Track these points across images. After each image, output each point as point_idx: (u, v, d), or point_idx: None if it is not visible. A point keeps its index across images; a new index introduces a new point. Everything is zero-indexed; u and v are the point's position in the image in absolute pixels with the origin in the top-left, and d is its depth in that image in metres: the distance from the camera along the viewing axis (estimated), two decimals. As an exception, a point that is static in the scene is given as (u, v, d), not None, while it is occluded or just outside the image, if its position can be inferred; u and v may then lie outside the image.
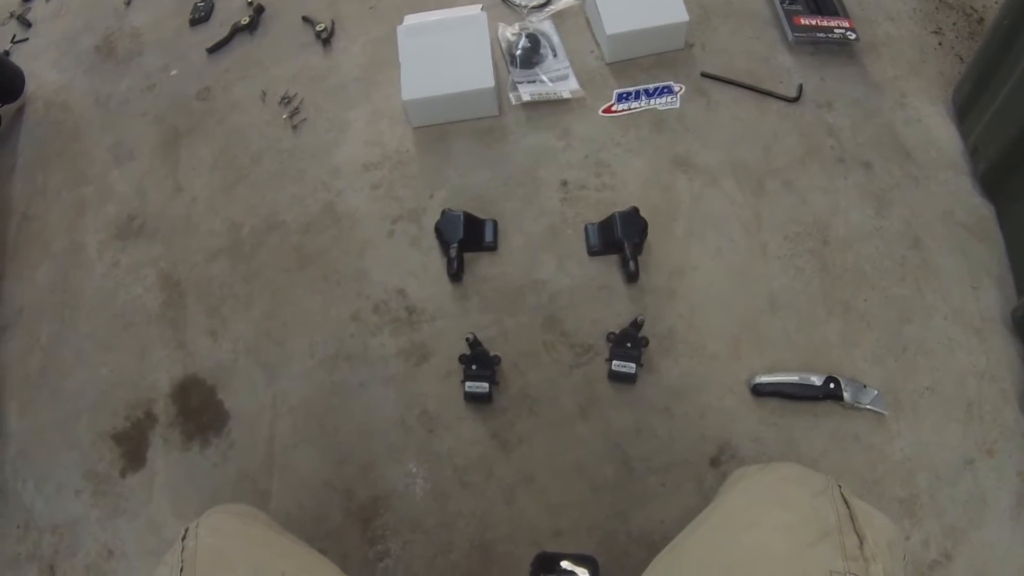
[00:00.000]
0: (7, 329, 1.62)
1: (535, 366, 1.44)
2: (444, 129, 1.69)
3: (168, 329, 1.56)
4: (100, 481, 1.45)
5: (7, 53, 2.00)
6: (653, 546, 1.07)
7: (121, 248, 1.66)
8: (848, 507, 0.86)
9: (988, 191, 1.54)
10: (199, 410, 1.48)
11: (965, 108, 1.58)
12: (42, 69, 1.96)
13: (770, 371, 1.38)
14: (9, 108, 1.85)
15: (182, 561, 0.89)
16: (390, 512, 1.36)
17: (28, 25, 2.06)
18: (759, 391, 1.37)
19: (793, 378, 1.36)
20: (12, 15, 2.09)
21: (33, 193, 1.77)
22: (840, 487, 0.91)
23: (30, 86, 1.91)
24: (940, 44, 1.74)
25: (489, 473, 1.37)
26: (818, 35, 1.69)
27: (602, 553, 1.26)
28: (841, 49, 1.72)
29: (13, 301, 1.65)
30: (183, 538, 0.93)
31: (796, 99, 1.65)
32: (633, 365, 1.38)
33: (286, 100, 1.76)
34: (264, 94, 1.79)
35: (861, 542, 0.81)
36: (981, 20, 1.76)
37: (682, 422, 1.38)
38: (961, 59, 1.71)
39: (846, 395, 1.34)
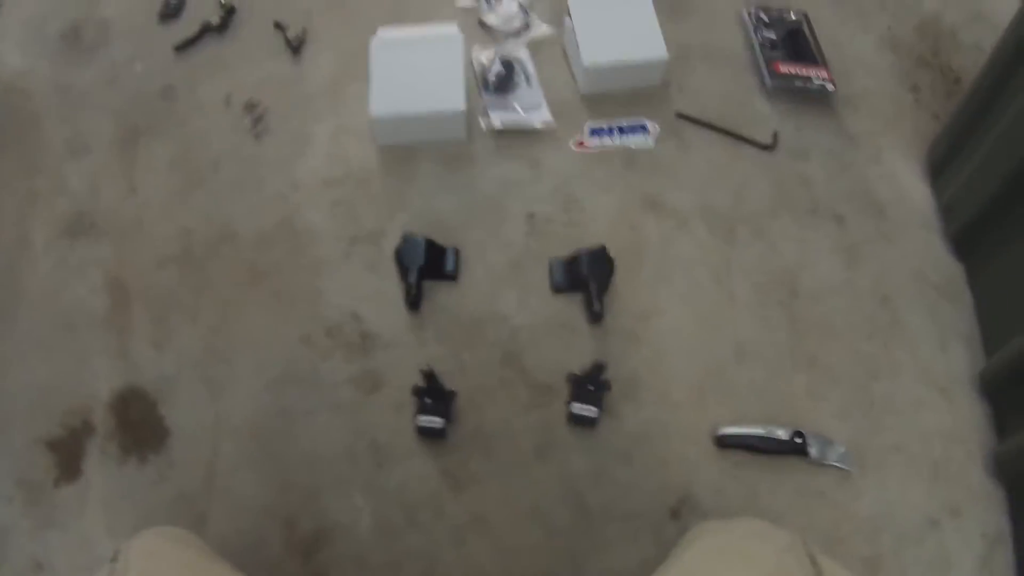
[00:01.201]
0: (-58, 323, 1.53)
1: (492, 403, 1.40)
2: (410, 150, 1.65)
3: (111, 335, 1.48)
4: (33, 489, 1.37)
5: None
6: (609, 598, 1.04)
7: (69, 246, 1.58)
8: (815, 564, 0.83)
9: (959, 251, 1.54)
10: (138, 424, 1.41)
11: (940, 166, 1.58)
12: (5, 51, 1.86)
13: (735, 422, 1.36)
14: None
15: None
16: (332, 546, 1.30)
17: (-3, 5, 1.96)
18: (723, 442, 1.34)
19: (759, 431, 1.34)
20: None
21: (-16, 180, 1.69)
22: (806, 544, 0.88)
23: (-8, 70, 1.83)
24: (916, 101, 1.74)
25: (440, 512, 1.32)
26: (796, 83, 1.68)
27: (554, 602, 1.22)
28: (818, 99, 1.71)
29: (-50, 293, 1.56)
30: (113, 560, 0.88)
31: (771, 147, 1.64)
32: (595, 409, 1.34)
33: (251, 107, 1.70)
34: (229, 98, 1.72)
35: None
36: (958, 80, 1.76)
37: (643, 470, 1.34)
38: (937, 117, 1.71)
39: (812, 451, 1.32)
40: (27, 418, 1.42)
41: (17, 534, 1.34)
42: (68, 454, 1.40)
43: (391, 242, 1.52)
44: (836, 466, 1.33)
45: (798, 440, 1.33)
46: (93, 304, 1.52)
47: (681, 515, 1.31)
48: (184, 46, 1.79)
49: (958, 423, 1.39)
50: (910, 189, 1.62)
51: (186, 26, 1.83)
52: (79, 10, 1.89)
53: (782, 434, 1.33)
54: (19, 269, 1.56)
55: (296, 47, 1.78)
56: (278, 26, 1.81)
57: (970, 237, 1.50)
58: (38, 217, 1.62)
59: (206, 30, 1.81)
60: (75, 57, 1.82)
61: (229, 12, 1.82)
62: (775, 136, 1.65)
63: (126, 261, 1.56)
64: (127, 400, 1.43)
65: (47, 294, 1.53)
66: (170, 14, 1.85)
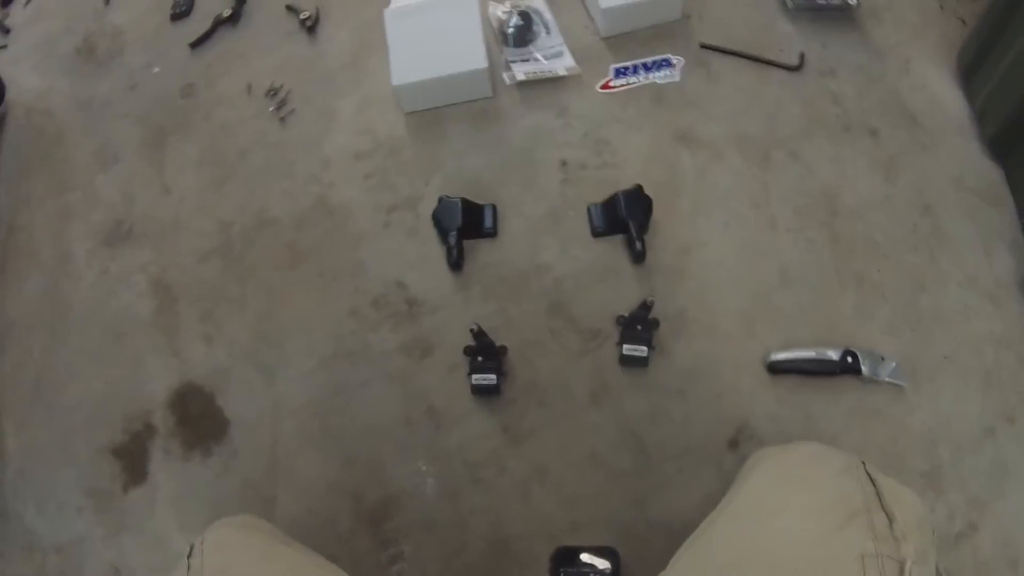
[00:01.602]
0: (-1, 345, 1.57)
1: (543, 354, 1.40)
2: (437, 113, 1.65)
3: (161, 336, 1.52)
4: (102, 497, 1.41)
5: (-13, 62, 1.95)
6: (674, 534, 1.04)
7: (110, 255, 1.61)
8: (874, 485, 0.84)
9: (997, 155, 1.50)
10: (198, 418, 1.44)
11: (970, 72, 1.54)
12: (22, 75, 1.91)
13: (785, 348, 1.35)
14: (-10, 118, 1.80)
15: None
16: (401, 513, 1.32)
17: (7, 31, 2.00)
18: (775, 369, 1.33)
19: (809, 354, 1.33)
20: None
21: (18, 203, 1.72)
22: (864, 464, 0.89)
23: (10, 93, 1.86)
24: (942, 7, 1.69)
25: (501, 468, 1.33)
26: (818, 1, 1.64)
27: (622, 544, 1.23)
28: (842, 15, 1.66)
29: (3, 316, 1.60)
30: (189, 556, 0.92)
31: (798, 68, 1.61)
32: (645, 348, 1.34)
33: (272, 92, 1.71)
34: (250, 87, 1.74)
35: (891, 521, 0.79)
36: (982, -19, 1.71)
37: (697, 405, 1.34)
38: (964, 22, 1.66)
39: (864, 369, 1.31)
40: (89, 429, 1.47)
41: (92, 542, 1.38)
42: (133, 458, 1.44)
43: (428, 206, 1.53)
44: (889, 382, 1.31)
45: (849, 359, 1.31)
46: (140, 308, 1.55)
47: (739, 445, 1.31)
48: (199, 42, 1.81)
49: (1008, 328, 1.36)
50: (942, 97, 1.58)
51: (198, 22, 1.85)
52: (90, 24, 1.92)
53: (833, 355, 1.32)
54: (64, 286, 1.60)
55: (311, 27, 1.78)
56: (290, 9, 1.81)
57: (1007, 140, 1.46)
58: (76, 232, 1.66)
59: (219, 23, 1.82)
60: (92, 70, 1.86)
61: (240, 2, 1.84)
62: (802, 56, 1.61)
63: (168, 261, 1.59)
64: (184, 397, 1.47)
65: (94, 306, 1.57)
66: (181, 13, 1.87)
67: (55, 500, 1.42)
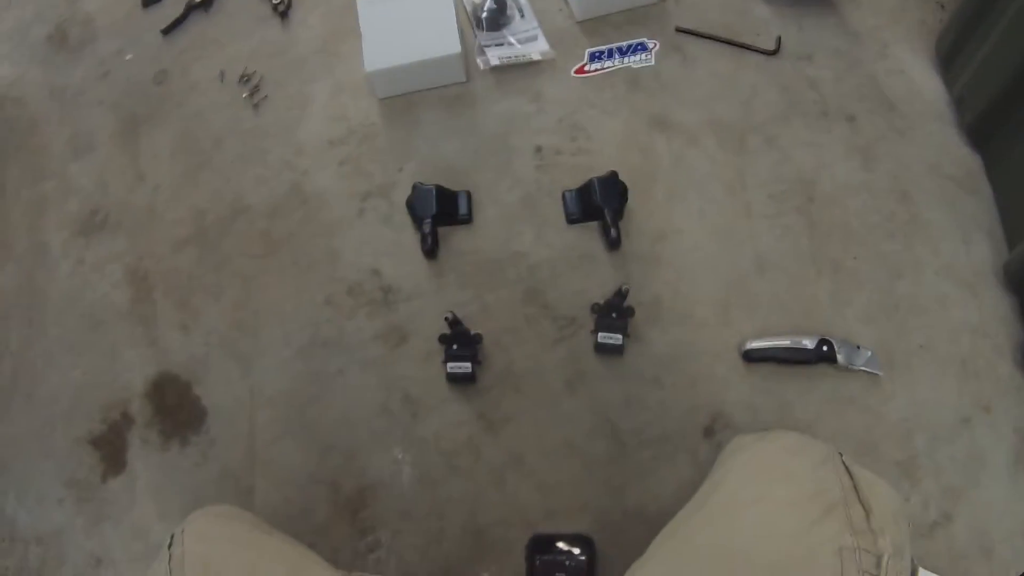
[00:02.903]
0: (-26, 338, 1.56)
1: (518, 342, 1.40)
2: (411, 99, 1.63)
3: (138, 326, 1.51)
4: (82, 488, 1.41)
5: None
6: (649, 522, 1.05)
7: (85, 245, 1.60)
8: (851, 477, 0.86)
9: (975, 142, 1.50)
10: (176, 408, 1.44)
11: (949, 57, 1.53)
12: (-7, 65, 1.89)
13: (761, 335, 1.35)
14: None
15: (170, 571, 0.89)
16: (378, 502, 1.33)
17: (-23, 21, 1.97)
18: (750, 357, 1.34)
19: (785, 342, 1.33)
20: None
21: (-9, 194, 1.71)
22: (841, 455, 0.90)
23: (-19, 84, 1.84)
24: (920, -10, 1.69)
25: (477, 456, 1.33)
26: (795, -16, 1.63)
27: (597, 531, 1.24)
28: (819, -1, 1.66)
29: (-22, 308, 1.59)
30: (169, 546, 0.92)
31: (775, 52, 1.60)
32: (620, 336, 1.34)
33: (245, 78, 1.70)
34: (223, 73, 1.72)
35: (867, 514, 0.81)
36: (961, -36, 1.70)
37: (673, 392, 1.34)
38: (942, 6, 1.66)
39: (839, 357, 1.31)
40: (67, 419, 1.46)
41: (73, 533, 1.38)
42: (111, 448, 1.43)
43: (402, 193, 1.52)
44: (865, 370, 1.31)
45: (825, 348, 1.31)
46: (116, 298, 1.54)
47: (715, 433, 1.31)
48: (171, 28, 1.79)
49: (984, 317, 1.36)
50: (920, 83, 1.57)
51: (170, 8, 1.82)
52: (61, 11, 1.89)
53: (808, 343, 1.32)
54: (39, 276, 1.59)
55: (283, 11, 1.76)
56: (263, -7, 1.79)
57: (985, 127, 1.46)
58: (51, 221, 1.64)
59: (191, 8, 1.80)
60: (64, 57, 1.83)
61: (212, -13, 1.81)
62: (778, 41, 1.60)
63: (143, 251, 1.57)
64: (161, 386, 1.46)
65: (70, 296, 1.56)
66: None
67: (35, 491, 1.42)
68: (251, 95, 1.68)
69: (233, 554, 0.95)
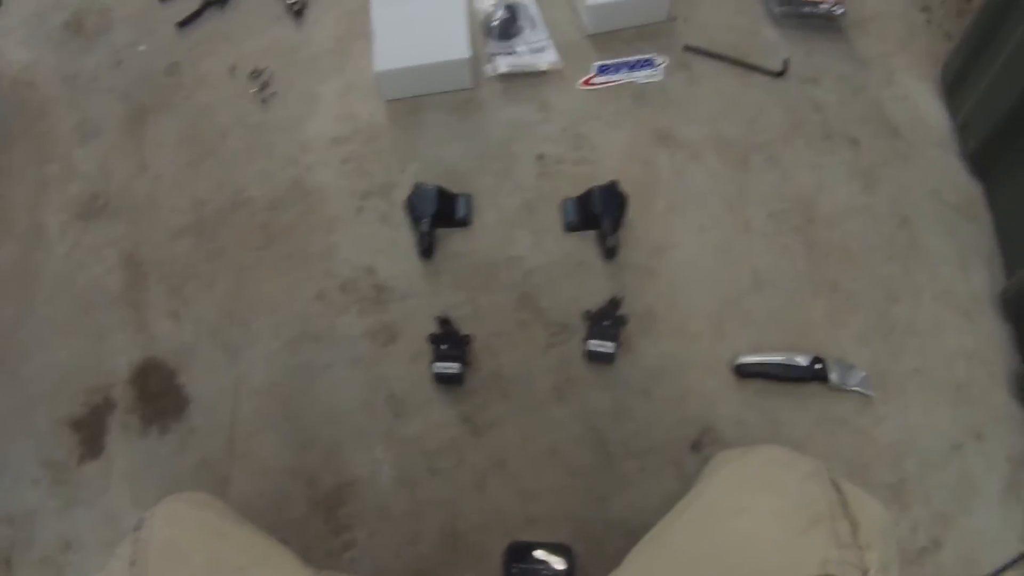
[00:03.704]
0: (-36, 313, 1.55)
1: (509, 346, 1.39)
2: (417, 102, 1.64)
3: (129, 311, 1.50)
4: (58, 470, 1.39)
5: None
6: (631, 533, 1.02)
7: (83, 228, 1.60)
8: (839, 491, 0.84)
9: (977, 170, 1.49)
10: (158, 395, 1.42)
11: (954, 86, 1.54)
12: (10, 48, 1.89)
13: (754, 351, 1.33)
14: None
15: (134, 553, 0.87)
16: (355, 500, 1.31)
17: None
18: (743, 372, 1.32)
19: (778, 358, 1.31)
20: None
21: (-4, 173, 1.71)
22: (828, 470, 0.88)
23: (-3, 65, 1.85)
24: (928, 21, 1.69)
25: (460, 459, 1.32)
26: (804, 9, 1.64)
27: (578, 541, 1.21)
28: (827, 24, 1.66)
29: (-28, 284, 1.59)
30: (136, 528, 0.90)
31: (781, 73, 1.60)
32: (612, 345, 1.33)
33: (256, 74, 1.70)
34: (234, 69, 1.73)
35: (854, 529, 0.79)
36: (969, -2, 1.71)
37: (662, 405, 1.33)
38: (949, 37, 1.65)
39: (832, 376, 1.29)
40: (50, 400, 1.45)
41: (45, 515, 1.36)
42: (90, 432, 1.42)
43: (402, 194, 1.51)
44: (857, 391, 1.30)
45: (818, 366, 1.30)
46: (109, 282, 1.54)
47: (703, 447, 1.29)
48: (186, 22, 1.80)
49: (980, 344, 1.35)
50: (924, 109, 1.57)
51: (187, 3, 1.83)
52: (80, 0, 1.90)
53: (801, 361, 1.31)
54: (35, 256, 1.59)
55: (298, 11, 1.77)
56: (279, -9, 1.80)
57: (987, 155, 1.45)
58: (51, 203, 1.64)
59: (207, 4, 1.81)
60: (79, 45, 1.84)
61: (229, -16, 1.83)
62: (785, 63, 1.61)
63: (140, 237, 1.57)
64: (146, 372, 1.45)
65: (63, 278, 1.55)
66: (170, -7, 1.85)
67: (11, 470, 1.40)
68: (260, 91, 1.68)
69: (202, 541, 0.93)
